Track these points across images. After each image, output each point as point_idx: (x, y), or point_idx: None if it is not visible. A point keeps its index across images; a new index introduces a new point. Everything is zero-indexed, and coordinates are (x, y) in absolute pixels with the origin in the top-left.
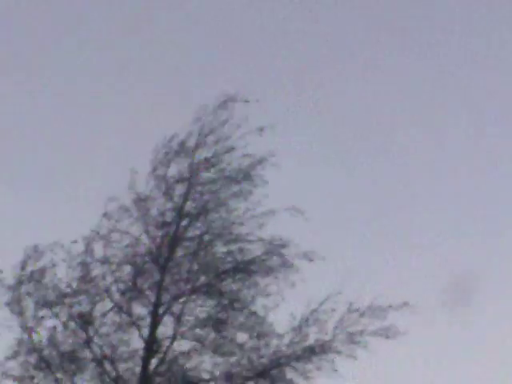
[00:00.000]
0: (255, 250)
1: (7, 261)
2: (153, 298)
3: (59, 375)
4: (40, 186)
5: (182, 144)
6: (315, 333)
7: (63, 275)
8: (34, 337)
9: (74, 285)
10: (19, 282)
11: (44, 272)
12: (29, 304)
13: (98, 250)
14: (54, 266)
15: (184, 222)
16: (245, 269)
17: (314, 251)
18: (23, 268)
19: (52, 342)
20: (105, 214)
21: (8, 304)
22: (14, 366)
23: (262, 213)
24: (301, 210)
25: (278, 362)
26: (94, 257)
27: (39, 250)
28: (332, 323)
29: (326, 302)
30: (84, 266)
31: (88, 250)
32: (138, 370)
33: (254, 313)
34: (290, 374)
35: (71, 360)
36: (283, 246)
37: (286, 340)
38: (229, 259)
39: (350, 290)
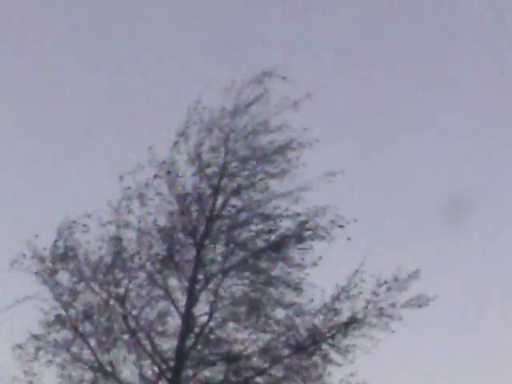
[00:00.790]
0: (289, 225)
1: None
2: (189, 274)
3: (95, 348)
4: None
5: (216, 119)
6: (348, 309)
7: (95, 248)
8: (70, 311)
9: (109, 259)
10: (54, 256)
11: (76, 246)
12: (64, 277)
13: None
14: (85, 242)
15: (220, 199)
16: (279, 246)
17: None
18: (56, 242)
19: (87, 316)
20: (129, 188)
21: (39, 274)
22: (49, 339)
23: (298, 187)
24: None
25: (314, 339)
26: (126, 230)
27: (70, 223)
28: (363, 298)
29: (355, 276)
30: (117, 240)
31: (119, 224)
32: (174, 344)
33: (290, 289)
34: (326, 350)
35: (107, 334)
36: (315, 215)
37: (320, 316)
38: (264, 237)
39: (374, 261)
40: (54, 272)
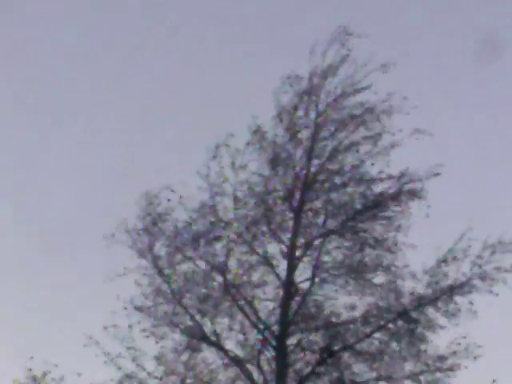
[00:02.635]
0: (384, 188)
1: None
2: (288, 241)
3: (199, 319)
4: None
5: (306, 84)
6: (453, 272)
7: (186, 219)
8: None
9: (205, 229)
10: (148, 229)
11: (167, 216)
12: (161, 250)
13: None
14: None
15: (314, 165)
16: (376, 207)
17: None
18: (146, 215)
19: (189, 287)
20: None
21: (141, 252)
22: (151, 311)
23: (388, 146)
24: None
25: (418, 303)
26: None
27: (154, 195)
28: (468, 262)
29: (460, 240)
30: (213, 210)
31: (214, 193)
32: (276, 312)
33: (390, 250)
34: (430, 314)
35: (209, 304)
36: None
37: (424, 281)
38: (360, 199)
39: (479, 225)
40: (150, 245)
